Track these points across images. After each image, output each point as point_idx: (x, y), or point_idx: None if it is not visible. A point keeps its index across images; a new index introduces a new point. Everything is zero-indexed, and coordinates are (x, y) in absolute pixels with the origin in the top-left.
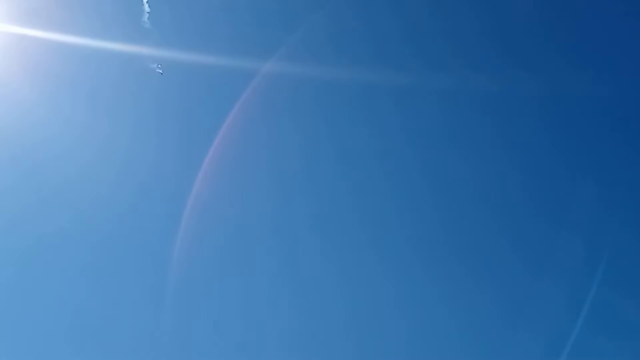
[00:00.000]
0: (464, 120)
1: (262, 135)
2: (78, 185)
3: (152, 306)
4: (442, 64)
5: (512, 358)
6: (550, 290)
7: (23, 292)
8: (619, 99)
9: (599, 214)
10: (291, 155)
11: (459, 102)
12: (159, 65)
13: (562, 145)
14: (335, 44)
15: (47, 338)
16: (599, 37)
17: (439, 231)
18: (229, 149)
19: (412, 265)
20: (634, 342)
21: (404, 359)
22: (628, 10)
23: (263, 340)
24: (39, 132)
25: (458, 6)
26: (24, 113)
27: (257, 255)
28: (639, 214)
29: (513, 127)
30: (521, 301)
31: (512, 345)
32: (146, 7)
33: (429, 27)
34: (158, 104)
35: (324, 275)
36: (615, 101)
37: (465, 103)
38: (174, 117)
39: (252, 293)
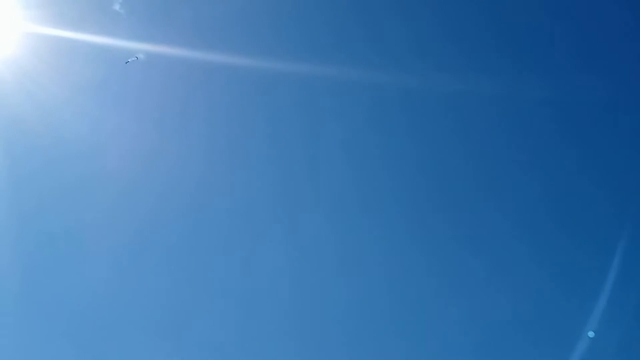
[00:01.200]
0: (469, 121)
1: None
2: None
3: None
4: (448, 66)
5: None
6: None
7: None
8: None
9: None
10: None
11: (464, 104)
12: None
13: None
14: (341, 45)
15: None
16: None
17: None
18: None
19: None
20: None
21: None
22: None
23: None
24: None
25: (465, 8)
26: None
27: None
28: None
29: (519, 129)
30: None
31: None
32: None
33: (436, 29)
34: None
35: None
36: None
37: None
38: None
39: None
